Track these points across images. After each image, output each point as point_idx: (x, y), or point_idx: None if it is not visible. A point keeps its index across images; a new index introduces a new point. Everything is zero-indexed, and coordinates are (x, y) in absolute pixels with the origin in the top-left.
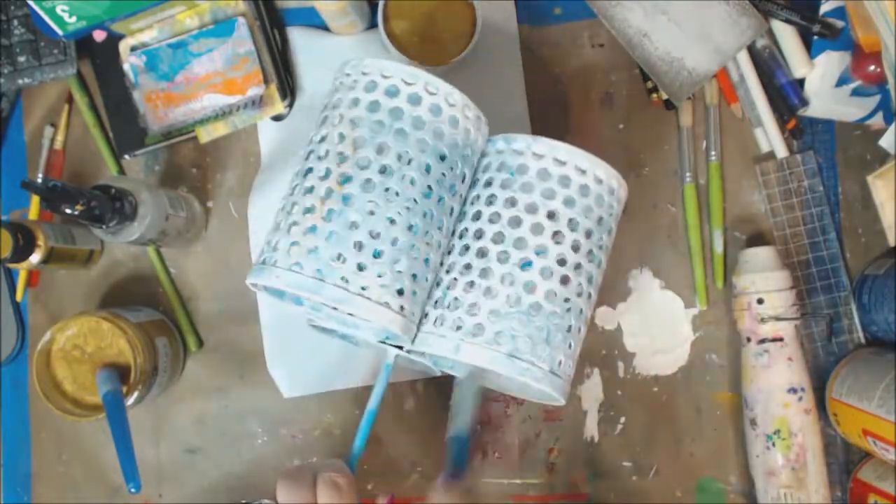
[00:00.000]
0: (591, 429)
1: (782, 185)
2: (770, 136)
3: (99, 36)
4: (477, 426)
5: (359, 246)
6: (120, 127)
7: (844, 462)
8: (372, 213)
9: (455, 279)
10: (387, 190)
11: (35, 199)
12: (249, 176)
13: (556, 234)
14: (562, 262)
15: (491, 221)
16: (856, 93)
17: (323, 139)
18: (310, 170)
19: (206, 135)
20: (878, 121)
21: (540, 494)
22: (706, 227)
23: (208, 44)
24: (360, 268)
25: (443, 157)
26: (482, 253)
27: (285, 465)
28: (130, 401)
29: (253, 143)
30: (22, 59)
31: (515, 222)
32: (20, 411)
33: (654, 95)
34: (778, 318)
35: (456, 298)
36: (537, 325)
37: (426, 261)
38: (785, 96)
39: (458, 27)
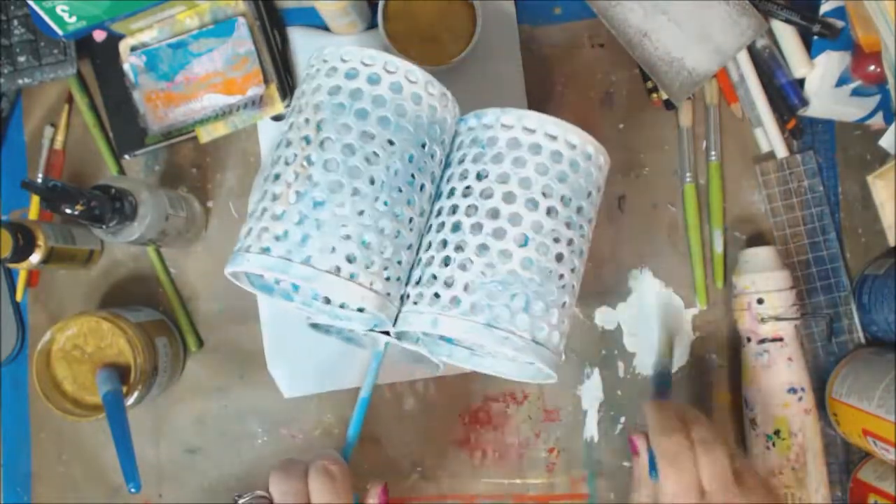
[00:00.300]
0: (591, 429)
1: (782, 185)
2: (770, 136)
3: (99, 36)
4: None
5: (324, 224)
6: (120, 127)
7: (844, 462)
8: (336, 192)
9: (432, 256)
10: (351, 168)
11: (35, 199)
12: (249, 176)
13: (529, 201)
14: (537, 229)
15: (464, 196)
16: (856, 93)
17: (290, 127)
18: (278, 157)
19: (206, 135)
20: (878, 121)
21: (540, 494)
22: (706, 227)
23: (208, 44)
24: (327, 246)
25: (407, 134)
26: (456, 227)
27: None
28: (130, 401)
29: (253, 143)
30: (22, 59)
31: (487, 193)
32: (20, 411)
33: (654, 95)
34: (778, 318)
35: (433, 275)
36: (514, 293)
37: (397, 236)
38: (785, 96)
39: (458, 27)
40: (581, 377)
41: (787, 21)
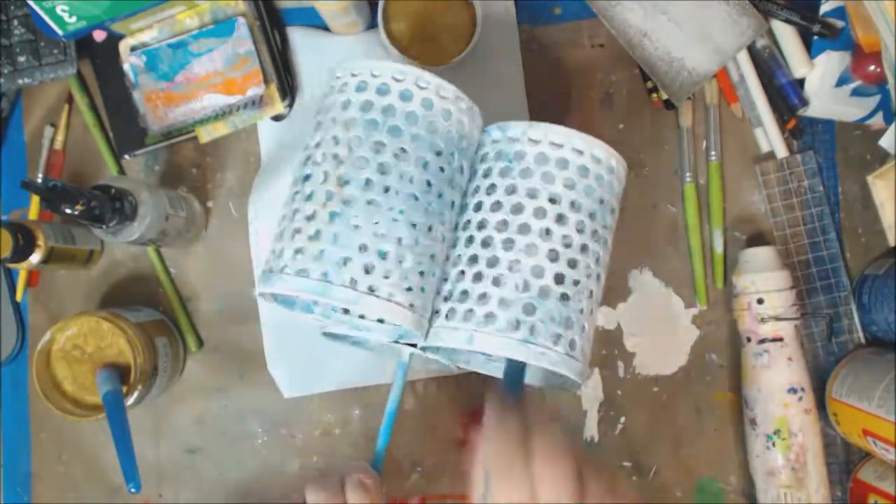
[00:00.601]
0: (591, 429)
1: (782, 185)
2: (770, 136)
3: (99, 36)
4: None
5: (363, 247)
6: (120, 127)
7: (844, 462)
8: (373, 213)
9: (462, 272)
10: (386, 188)
11: (35, 199)
12: (249, 176)
13: (559, 217)
14: (567, 245)
15: (493, 210)
16: (856, 93)
17: (318, 144)
18: (308, 175)
19: (206, 135)
20: (878, 121)
21: None
22: (706, 227)
23: (208, 44)
24: (367, 268)
25: (439, 152)
26: (486, 243)
27: (309, 467)
28: (130, 401)
29: (253, 143)
30: (22, 59)
31: (517, 209)
32: (20, 411)
33: (654, 95)
34: (778, 318)
35: (465, 291)
36: (549, 309)
37: (432, 256)
38: (785, 96)
39: (458, 27)
40: None
41: (787, 21)
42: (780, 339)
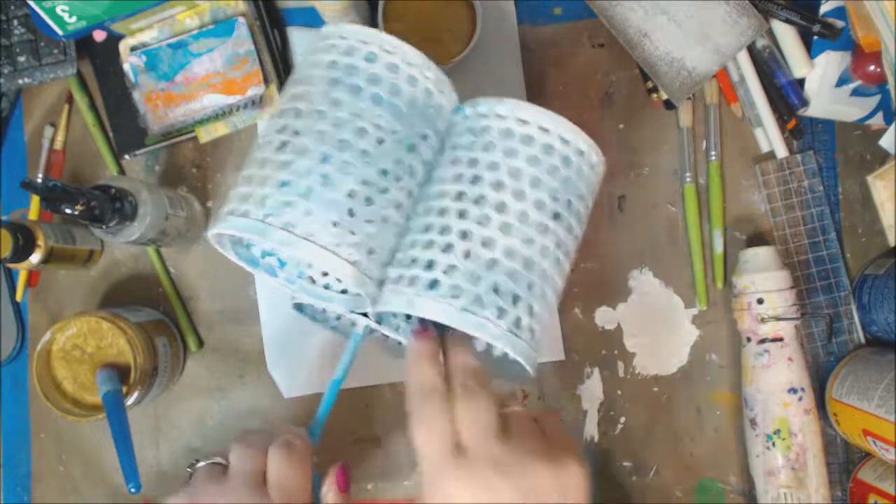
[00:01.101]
0: (591, 429)
1: (782, 185)
2: (770, 136)
3: (99, 36)
4: None
5: (308, 194)
6: (120, 127)
7: (844, 462)
8: (323, 163)
9: (416, 239)
10: (341, 141)
11: (35, 199)
12: None
13: (518, 192)
14: (523, 219)
15: (453, 182)
16: (856, 93)
17: (287, 98)
18: (270, 127)
19: (206, 135)
20: (878, 121)
21: None
22: (706, 227)
23: (208, 44)
24: (308, 212)
25: (399, 114)
26: (442, 211)
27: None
28: (130, 401)
29: (253, 143)
30: (22, 59)
31: (476, 180)
32: (20, 411)
33: (654, 95)
34: (778, 318)
35: (414, 258)
36: (494, 281)
37: (383, 216)
38: (785, 96)
39: (458, 27)
40: (581, 377)
41: (787, 21)
42: (780, 339)
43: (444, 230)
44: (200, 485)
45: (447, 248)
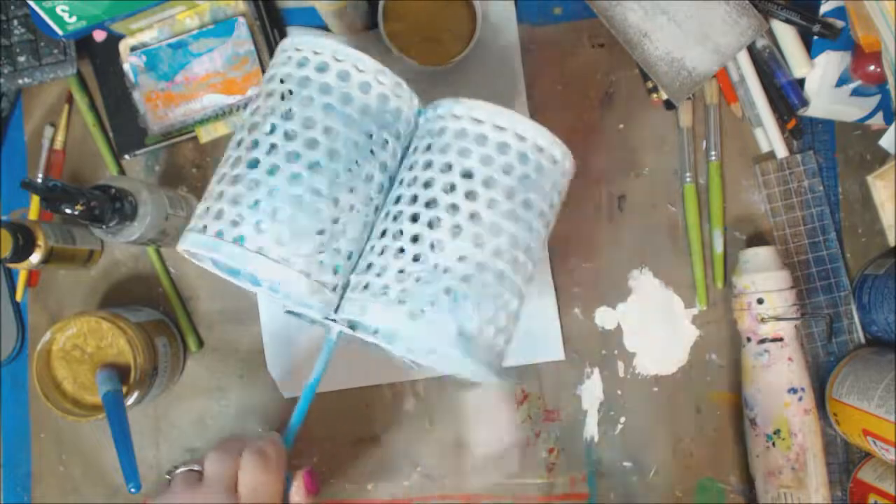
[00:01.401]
0: (591, 429)
1: (782, 185)
2: (770, 136)
3: (99, 36)
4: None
5: (257, 207)
6: (120, 127)
7: (844, 462)
8: (273, 174)
9: (372, 246)
10: (291, 153)
11: (35, 199)
12: None
13: (469, 192)
14: (476, 220)
15: (408, 185)
16: (856, 93)
17: (249, 112)
18: (231, 141)
19: (206, 135)
20: (878, 121)
21: (540, 494)
22: (706, 227)
23: (208, 44)
24: (259, 228)
25: (350, 121)
26: (397, 216)
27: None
28: (130, 401)
29: None
30: (22, 59)
31: (429, 183)
32: (20, 411)
33: (654, 95)
34: (778, 318)
35: (370, 264)
36: (444, 285)
37: (335, 223)
38: (785, 96)
39: (458, 27)
40: (581, 377)
41: (787, 21)
42: (780, 339)
43: (397, 235)
44: (176, 490)
45: (398, 252)
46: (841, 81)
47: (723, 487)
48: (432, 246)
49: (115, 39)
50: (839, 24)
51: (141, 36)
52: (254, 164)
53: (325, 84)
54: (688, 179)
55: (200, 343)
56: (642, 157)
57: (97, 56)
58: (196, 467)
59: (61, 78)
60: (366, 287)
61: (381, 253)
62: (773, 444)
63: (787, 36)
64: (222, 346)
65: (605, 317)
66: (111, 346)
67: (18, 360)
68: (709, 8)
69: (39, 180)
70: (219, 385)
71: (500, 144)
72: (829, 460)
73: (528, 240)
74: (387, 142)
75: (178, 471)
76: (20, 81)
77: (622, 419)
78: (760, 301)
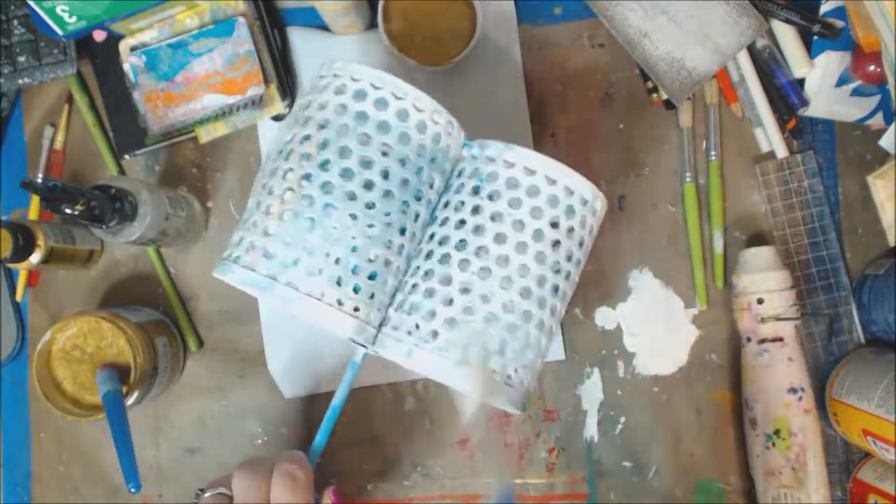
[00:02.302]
0: (591, 429)
1: (782, 185)
2: (770, 136)
3: (99, 36)
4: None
5: (314, 248)
6: (120, 127)
7: (844, 462)
8: (329, 216)
9: (416, 285)
10: (348, 193)
11: (35, 199)
12: (249, 176)
13: (519, 244)
14: (523, 273)
15: (456, 228)
16: (856, 93)
17: (291, 138)
18: (276, 169)
19: (206, 135)
20: (878, 121)
21: (540, 494)
22: (706, 227)
23: (208, 44)
24: (314, 269)
25: (407, 162)
26: (444, 259)
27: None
28: (130, 401)
29: (253, 143)
30: (22, 59)
31: (479, 230)
32: (20, 411)
33: (654, 95)
34: (778, 318)
35: (414, 304)
36: (491, 334)
37: (386, 264)
38: (785, 96)
39: (458, 27)
40: (581, 377)
41: (787, 21)
42: (780, 339)
43: (445, 280)
44: None
45: (448, 301)
46: (841, 81)
47: (723, 487)
48: (483, 297)
49: (115, 39)
50: (839, 24)
51: (141, 36)
52: (310, 201)
53: (383, 122)
54: (688, 179)
55: (200, 343)
56: (642, 157)
57: (97, 56)
58: (223, 490)
59: (61, 78)
60: (415, 329)
61: (429, 296)
62: (773, 444)
63: (787, 36)
64: (222, 346)
65: (605, 317)
66: (111, 346)
67: (18, 360)
68: (709, 8)
69: (39, 180)
70: (219, 385)
71: (550, 197)
72: (829, 460)
73: (565, 288)
74: (434, 181)
75: (206, 495)
76: (20, 81)
77: (622, 419)
78: (760, 301)
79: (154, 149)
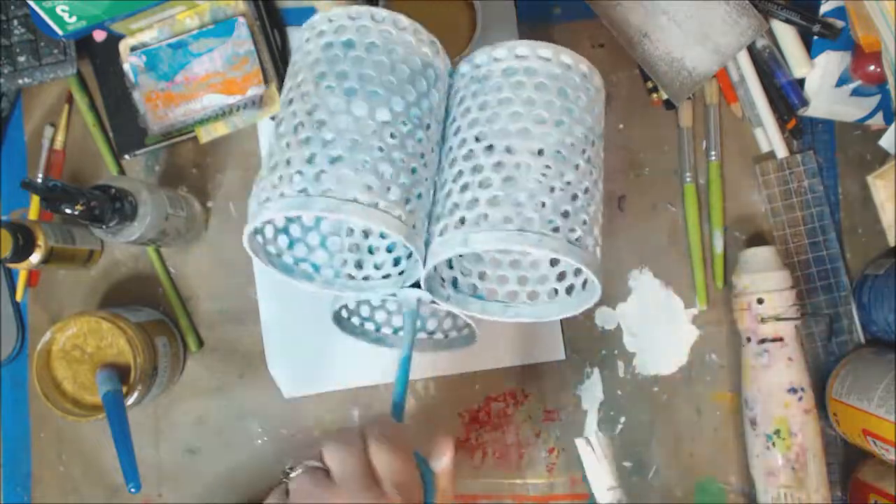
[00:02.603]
0: (591, 429)
1: (782, 185)
2: (770, 136)
3: (99, 36)
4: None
5: (337, 160)
6: (120, 127)
7: (844, 462)
8: (343, 131)
9: (450, 189)
10: (356, 107)
11: (35, 199)
12: (249, 176)
13: (536, 117)
14: (549, 140)
15: (470, 127)
16: (856, 93)
17: (290, 89)
18: (281, 119)
19: (206, 135)
20: (878, 121)
21: (540, 494)
22: (706, 227)
23: (208, 44)
24: (344, 178)
25: (403, 75)
26: (468, 156)
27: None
28: (130, 401)
29: (253, 143)
30: (22, 59)
31: (492, 119)
32: (20, 411)
33: (654, 95)
34: (778, 318)
35: (455, 204)
36: (540, 200)
37: (413, 171)
38: (785, 96)
39: (458, 27)
40: (581, 377)
41: (787, 21)
42: (780, 339)
43: (476, 169)
44: (307, 492)
45: (483, 183)
46: (841, 81)
47: (723, 487)
48: (518, 168)
49: (115, 39)
50: (839, 24)
51: (141, 36)
52: (319, 124)
53: (371, 43)
54: (688, 179)
55: (200, 343)
56: (642, 157)
57: (97, 56)
58: (314, 462)
59: (61, 78)
60: (461, 224)
61: (465, 190)
62: (773, 444)
63: (787, 36)
64: (222, 346)
65: (605, 317)
66: (111, 346)
67: (18, 360)
68: (709, 8)
69: (39, 180)
70: (219, 385)
71: (549, 74)
72: (829, 460)
73: (593, 156)
74: (433, 95)
75: (298, 471)
76: (20, 81)
77: (622, 419)
78: (760, 301)
79: (154, 149)
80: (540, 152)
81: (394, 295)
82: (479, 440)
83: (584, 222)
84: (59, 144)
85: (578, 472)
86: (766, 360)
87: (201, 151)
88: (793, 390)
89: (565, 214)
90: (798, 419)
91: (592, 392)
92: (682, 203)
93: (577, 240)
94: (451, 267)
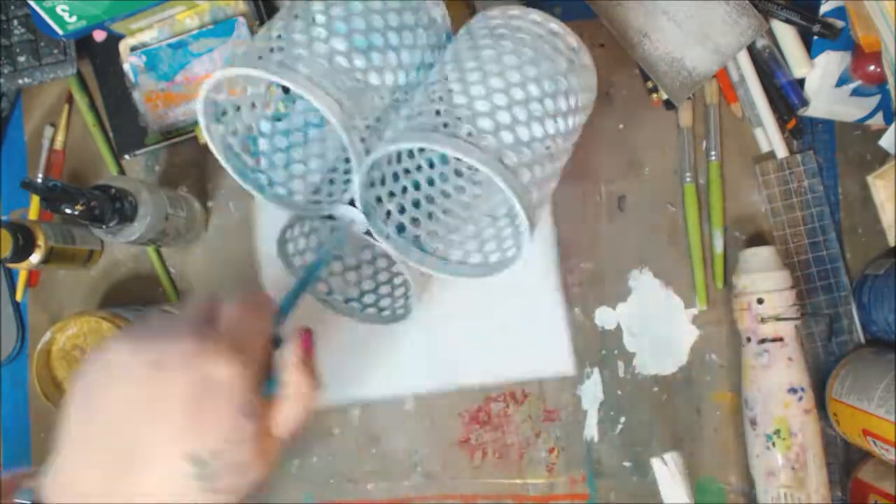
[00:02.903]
0: (591, 429)
1: (782, 185)
2: (770, 136)
3: (99, 36)
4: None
5: (302, 43)
6: (120, 127)
7: (844, 462)
8: (313, 27)
9: (410, 110)
10: (327, 12)
11: (35, 199)
12: None
13: (508, 59)
14: (512, 75)
15: (451, 69)
16: (856, 93)
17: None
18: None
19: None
20: (878, 121)
21: (540, 494)
22: (706, 227)
23: (208, 44)
24: (296, 58)
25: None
26: (434, 83)
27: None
28: None
29: None
30: (22, 59)
31: (476, 58)
32: (20, 411)
33: (654, 95)
34: (778, 318)
35: (407, 116)
36: (482, 118)
37: (365, 82)
38: (785, 96)
39: (458, 27)
40: (581, 377)
41: (787, 21)
42: (780, 339)
43: (435, 93)
44: (146, 321)
45: (437, 100)
46: (841, 81)
47: (723, 487)
48: (475, 92)
49: (115, 39)
50: (839, 24)
51: (141, 36)
52: (300, 15)
53: None
54: (688, 179)
55: None
56: (642, 157)
57: (97, 56)
58: (167, 308)
59: (61, 78)
60: (408, 122)
61: (431, 100)
62: (773, 444)
63: (787, 36)
64: None
65: (605, 317)
66: None
67: (18, 360)
68: (709, 8)
69: (39, 180)
70: None
71: (536, 35)
72: (829, 460)
73: (562, 105)
74: (417, 31)
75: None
76: (20, 81)
77: (622, 419)
78: (760, 301)
79: (154, 149)
80: (504, 86)
81: (332, 217)
82: (479, 440)
83: (526, 158)
84: (59, 144)
85: (578, 473)
86: (766, 360)
87: (201, 151)
88: (793, 390)
89: (507, 140)
90: (798, 419)
91: (592, 392)
92: (682, 203)
93: (509, 163)
94: (402, 212)
